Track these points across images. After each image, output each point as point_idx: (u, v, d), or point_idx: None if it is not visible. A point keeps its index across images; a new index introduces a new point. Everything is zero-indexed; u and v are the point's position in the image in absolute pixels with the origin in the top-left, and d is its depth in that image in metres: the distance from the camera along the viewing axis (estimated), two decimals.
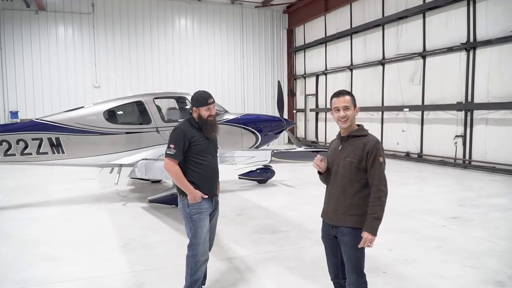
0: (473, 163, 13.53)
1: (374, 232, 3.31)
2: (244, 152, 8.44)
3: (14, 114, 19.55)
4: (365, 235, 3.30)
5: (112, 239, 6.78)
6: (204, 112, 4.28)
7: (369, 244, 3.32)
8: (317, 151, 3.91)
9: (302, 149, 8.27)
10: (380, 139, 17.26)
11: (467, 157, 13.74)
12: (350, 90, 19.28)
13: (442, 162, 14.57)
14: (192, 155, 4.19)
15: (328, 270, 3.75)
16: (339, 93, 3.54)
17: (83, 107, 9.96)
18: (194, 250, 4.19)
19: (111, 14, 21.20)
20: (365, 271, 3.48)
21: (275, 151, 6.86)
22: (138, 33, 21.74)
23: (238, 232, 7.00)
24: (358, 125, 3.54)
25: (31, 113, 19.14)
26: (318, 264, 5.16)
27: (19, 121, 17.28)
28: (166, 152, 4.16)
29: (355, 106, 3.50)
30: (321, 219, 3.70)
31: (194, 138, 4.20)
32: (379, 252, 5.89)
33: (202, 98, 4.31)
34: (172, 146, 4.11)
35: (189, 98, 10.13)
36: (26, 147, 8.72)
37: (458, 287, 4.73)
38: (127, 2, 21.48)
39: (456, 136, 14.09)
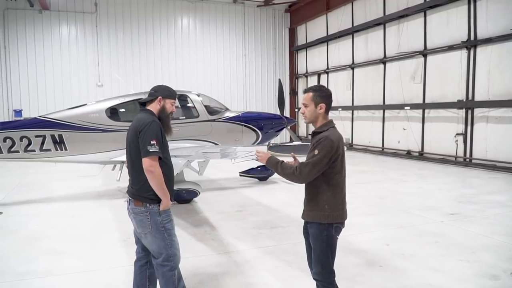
0: (473, 161, 13.57)
1: (267, 161, 3.56)
2: (242, 148, 8.52)
3: (18, 112, 19.72)
4: (266, 155, 3.58)
5: (113, 234, 6.88)
6: (169, 105, 3.91)
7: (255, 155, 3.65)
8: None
9: (298, 142, 8.34)
10: (381, 137, 17.50)
11: (467, 155, 13.78)
12: (351, 89, 19.59)
13: (443, 160, 14.61)
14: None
15: (308, 266, 3.77)
16: (305, 90, 3.58)
17: (85, 104, 10.07)
18: (172, 261, 3.70)
19: (114, 13, 21.34)
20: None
21: (271, 144, 6.94)
22: (141, 32, 21.88)
23: (237, 228, 7.09)
24: (331, 120, 3.52)
25: (35, 111, 19.23)
26: None
27: (22, 120, 17.42)
28: (148, 150, 3.51)
29: (318, 103, 3.45)
30: None
31: (164, 135, 3.77)
32: (377, 246, 5.99)
33: (172, 91, 3.96)
34: (154, 142, 3.53)
35: (191, 96, 10.38)
36: (29, 144, 8.82)
37: (453, 281, 4.80)
38: (130, 2, 21.60)
39: (457, 134, 14.13)
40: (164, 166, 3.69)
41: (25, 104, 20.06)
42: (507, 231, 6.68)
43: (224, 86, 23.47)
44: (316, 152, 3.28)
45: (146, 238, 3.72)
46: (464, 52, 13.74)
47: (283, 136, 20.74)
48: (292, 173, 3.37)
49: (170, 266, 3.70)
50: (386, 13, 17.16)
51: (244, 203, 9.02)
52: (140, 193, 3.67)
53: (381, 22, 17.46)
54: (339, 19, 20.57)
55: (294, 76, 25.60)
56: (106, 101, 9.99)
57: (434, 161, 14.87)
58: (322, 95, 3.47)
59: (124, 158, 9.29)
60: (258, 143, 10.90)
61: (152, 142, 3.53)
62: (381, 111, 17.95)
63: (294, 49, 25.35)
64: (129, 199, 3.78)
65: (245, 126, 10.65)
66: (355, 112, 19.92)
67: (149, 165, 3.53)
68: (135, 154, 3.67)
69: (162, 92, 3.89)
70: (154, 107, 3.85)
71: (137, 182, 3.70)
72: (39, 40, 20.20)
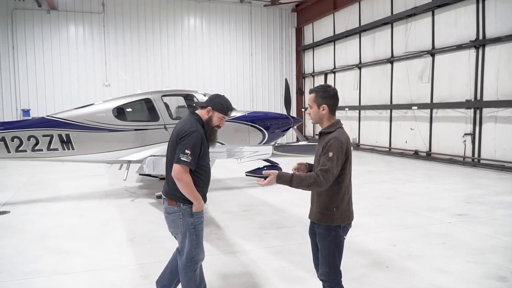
0: (482, 161, 13.45)
1: (279, 179, 3.23)
2: (248, 148, 8.51)
3: (26, 112, 19.87)
4: (272, 173, 3.23)
5: (120, 233, 6.90)
6: (216, 118, 3.82)
7: (263, 182, 3.26)
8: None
9: (304, 142, 8.32)
10: (388, 137, 17.40)
11: (476, 155, 13.66)
12: (358, 88, 19.50)
13: (451, 160, 14.49)
14: (199, 161, 3.69)
15: (314, 267, 3.73)
16: (310, 90, 3.52)
17: (92, 104, 10.14)
18: (195, 262, 3.78)
19: (121, 13, 21.43)
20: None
21: (277, 144, 6.92)
22: (148, 32, 21.96)
23: (244, 228, 7.08)
24: (338, 120, 3.47)
25: (43, 111, 19.30)
26: None
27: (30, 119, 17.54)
28: (180, 158, 3.53)
29: (320, 104, 3.40)
30: None
31: (205, 144, 3.75)
32: (383, 247, 5.95)
33: (226, 105, 3.85)
34: (188, 152, 3.53)
35: (197, 96, 10.40)
36: (37, 143, 8.89)
37: (460, 282, 4.75)
38: (137, 2, 21.68)
39: (465, 134, 14.01)
40: (202, 172, 3.75)
41: (33, 104, 20.20)
42: None
43: (230, 85, 23.49)
44: (330, 154, 3.21)
45: (178, 237, 3.83)
46: (472, 52, 13.62)
47: (290, 136, 20.71)
48: (314, 183, 3.17)
49: (193, 266, 3.78)
50: (394, 13, 17.06)
51: (250, 203, 9.01)
52: (174, 192, 3.71)
53: (389, 22, 17.36)
54: (346, 18, 20.49)
55: (301, 75, 25.55)
56: (113, 100, 10.05)
57: (442, 161, 14.76)
58: (324, 95, 3.39)
59: (130, 157, 9.44)
60: (264, 143, 10.89)
61: (186, 151, 3.54)
62: (388, 111, 17.84)
63: (301, 49, 25.29)
64: (164, 198, 3.84)
65: (251, 125, 10.64)
66: (362, 112, 19.84)
67: (177, 173, 3.56)
68: (172, 155, 3.70)
69: (214, 103, 3.83)
70: (202, 114, 3.84)
71: (172, 182, 3.71)
72: (47, 40, 20.33)
